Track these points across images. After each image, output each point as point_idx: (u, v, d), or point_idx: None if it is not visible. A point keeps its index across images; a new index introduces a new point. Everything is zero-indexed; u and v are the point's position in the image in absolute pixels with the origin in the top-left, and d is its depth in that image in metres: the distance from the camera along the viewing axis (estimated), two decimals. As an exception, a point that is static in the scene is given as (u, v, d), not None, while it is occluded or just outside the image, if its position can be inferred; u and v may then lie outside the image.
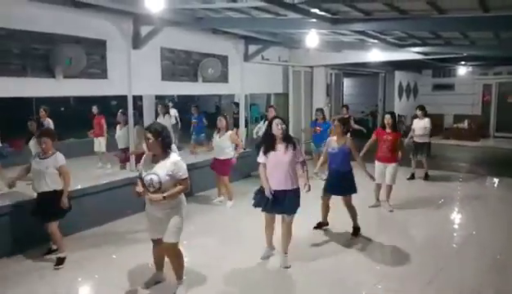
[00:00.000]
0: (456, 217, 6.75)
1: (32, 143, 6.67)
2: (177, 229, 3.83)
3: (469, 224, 6.36)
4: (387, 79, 14.66)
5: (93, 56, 6.11)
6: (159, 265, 4.23)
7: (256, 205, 4.59)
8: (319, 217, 5.77)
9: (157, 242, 4.02)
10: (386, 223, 6.32)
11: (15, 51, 5.23)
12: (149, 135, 3.74)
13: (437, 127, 11.94)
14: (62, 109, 10.66)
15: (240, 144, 7.12)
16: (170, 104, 11.14)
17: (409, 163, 8.72)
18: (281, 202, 4.40)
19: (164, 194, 3.67)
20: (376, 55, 9.50)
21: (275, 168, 4.39)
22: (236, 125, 11.12)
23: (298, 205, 4.48)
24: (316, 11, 5.38)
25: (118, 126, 8.01)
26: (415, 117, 9.01)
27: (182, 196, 3.91)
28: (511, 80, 14.83)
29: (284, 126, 4.42)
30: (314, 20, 5.73)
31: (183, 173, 3.78)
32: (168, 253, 3.98)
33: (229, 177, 7.03)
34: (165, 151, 3.78)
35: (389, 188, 6.70)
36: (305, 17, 5.60)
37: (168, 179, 3.70)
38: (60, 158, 4.70)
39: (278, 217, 4.66)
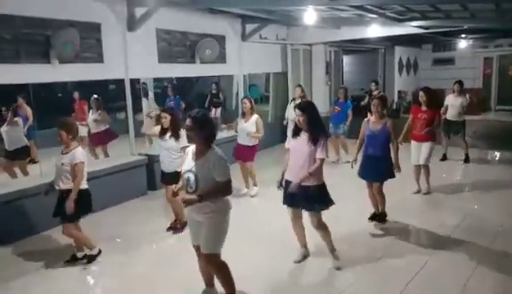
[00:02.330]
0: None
1: (4, 130, 6.70)
2: (216, 239, 3.28)
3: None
4: (386, 55, 14.47)
5: (88, 40, 6.02)
6: (207, 277, 3.59)
7: (283, 202, 4.17)
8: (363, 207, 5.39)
9: (198, 249, 3.46)
10: (430, 208, 5.98)
11: (8, 37, 5.14)
12: (191, 124, 3.18)
13: (438, 102, 11.83)
14: (60, 95, 10.57)
15: (262, 134, 6.42)
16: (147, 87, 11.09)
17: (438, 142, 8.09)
18: (301, 197, 3.92)
19: (199, 195, 3.12)
20: (375, 30, 9.34)
21: (294, 157, 3.98)
22: (216, 104, 11.11)
23: (321, 202, 3.96)
24: (314, -14, 5.27)
25: (90, 112, 8.13)
26: (451, 92, 8.31)
27: (227, 199, 3.33)
28: (512, 52, 14.63)
29: (303, 118, 3.85)
30: (312, -4, 5.62)
31: (224, 174, 3.17)
32: (209, 266, 3.40)
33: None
34: (208, 146, 3.23)
35: (426, 169, 6.26)
36: (302, -7, 5.49)
37: (207, 179, 3.16)
38: (77, 154, 4.22)
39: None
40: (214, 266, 3.36)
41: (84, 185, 4.33)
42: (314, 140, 3.85)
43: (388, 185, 5.16)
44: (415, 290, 3.81)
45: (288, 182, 4.03)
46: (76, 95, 9.51)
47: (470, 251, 4.49)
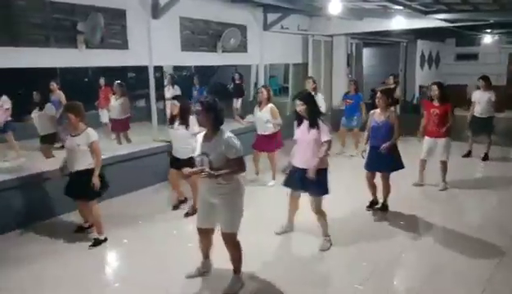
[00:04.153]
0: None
1: (35, 114, 6.81)
2: (236, 218, 3.45)
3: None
4: (408, 49, 14.24)
5: (114, 26, 6.08)
6: (205, 253, 3.86)
7: (284, 183, 4.49)
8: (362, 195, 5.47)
9: (206, 233, 3.65)
10: (438, 204, 5.87)
11: (38, 22, 5.23)
12: (199, 108, 3.35)
13: (460, 98, 11.61)
14: (86, 80, 10.81)
15: (279, 121, 6.32)
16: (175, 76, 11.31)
17: (465, 140, 8.07)
18: (304, 181, 4.19)
19: (216, 173, 3.27)
20: (400, 22, 9.18)
21: (299, 145, 4.28)
22: (239, 94, 11.12)
23: (322, 188, 4.18)
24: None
25: (113, 97, 8.16)
26: (477, 88, 8.07)
27: (240, 179, 3.50)
28: (539, 48, 14.24)
29: (304, 106, 4.13)
30: (338, -15, 5.55)
31: (236, 151, 3.33)
32: (226, 244, 3.54)
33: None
34: (217, 128, 3.40)
35: (443, 165, 6.16)
36: (329, -18, 5.41)
37: (220, 159, 3.32)
38: (91, 133, 4.39)
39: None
40: (232, 245, 3.52)
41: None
42: (315, 125, 4.13)
43: (403, 178, 5.27)
44: (403, 277, 3.93)
45: (294, 168, 4.31)
46: (102, 81, 9.69)
47: (469, 246, 4.47)
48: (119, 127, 8.15)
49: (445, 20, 8.89)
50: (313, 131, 4.14)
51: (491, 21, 9.65)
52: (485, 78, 7.90)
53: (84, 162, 4.37)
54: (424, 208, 5.55)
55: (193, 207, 5.31)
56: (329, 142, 4.16)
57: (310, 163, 4.14)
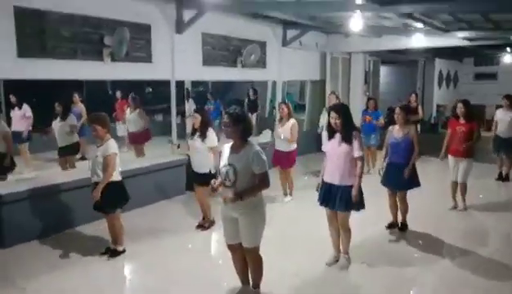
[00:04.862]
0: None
1: (56, 126, 6.84)
2: (258, 232, 3.41)
3: None
4: (426, 67, 14.21)
5: (139, 40, 6.21)
6: (243, 275, 3.67)
7: (318, 198, 4.31)
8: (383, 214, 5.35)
9: (235, 249, 3.54)
10: (463, 226, 5.72)
11: (67, 35, 5.37)
12: (227, 120, 3.33)
13: (478, 119, 11.43)
14: (110, 93, 11.06)
15: (294, 137, 6.28)
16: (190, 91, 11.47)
17: (492, 160, 7.91)
18: (334, 197, 4.08)
19: (240, 193, 3.24)
20: (419, 40, 9.16)
21: (330, 159, 4.14)
22: (253, 109, 11.17)
23: (352, 203, 4.04)
24: (366, -9, 5.24)
25: (128, 110, 8.19)
26: (498, 107, 7.91)
27: (261, 195, 3.44)
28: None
29: (340, 120, 3.98)
30: (362, 2, 5.59)
31: (261, 166, 3.29)
32: (248, 258, 3.52)
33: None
34: (244, 140, 3.37)
35: (462, 187, 5.99)
36: (352, -2, 5.47)
37: (245, 172, 3.29)
38: (110, 146, 4.30)
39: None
40: (255, 259, 3.50)
41: (118, 177, 4.39)
42: (348, 139, 3.99)
43: (423, 199, 5.10)
44: None
45: (326, 184, 4.17)
46: (118, 94, 9.88)
47: (488, 269, 4.31)
48: (136, 140, 8.14)
49: (465, 39, 8.87)
50: (345, 145, 4.01)
51: (512, 40, 9.60)
52: (509, 97, 7.71)
53: (101, 175, 4.30)
54: (442, 228, 5.42)
55: (205, 220, 5.33)
56: (361, 158, 4.05)
57: (341, 178, 4.04)
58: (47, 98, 7.95)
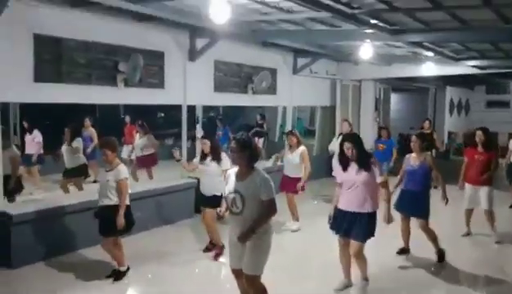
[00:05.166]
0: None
1: (64, 149, 6.98)
2: (260, 260, 3.31)
3: None
4: (437, 95, 14.22)
5: (152, 67, 6.35)
6: None
7: (330, 227, 4.28)
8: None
9: (240, 275, 3.43)
10: (484, 255, 5.63)
11: (82, 61, 5.52)
12: (234, 146, 3.31)
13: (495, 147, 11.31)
14: (123, 116, 11.28)
15: (307, 166, 6.21)
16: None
17: (506, 189, 7.82)
18: (350, 225, 4.04)
19: (252, 228, 3.19)
20: (430, 68, 9.23)
21: (346, 188, 4.10)
22: (260, 136, 11.21)
23: (369, 232, 4.04)
24: (376, 21, 5.31)
25: (137, 135, 8.39)
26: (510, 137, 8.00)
27: (269, 222, 3.39)
28: None
29: (355, 150, 4.00)
30: (372, 31, 5.67)
31: (268, 193, 3.26)
32: (249, 287, 3.39)
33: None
34: (251, 167, 3.34)
35: (489, 214, 5.87)
36: (362, 28, 5.55)
37: (253, 199, 3.24)
38: (122, 170, 4.35)
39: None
40: (256, 288, 3.36)
41: (127, 201, 4.41)
42: (366, 166, 4.00)
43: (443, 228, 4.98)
44: None
45: (341, 212, 4.12)
46: (127, 119, 10.08)
47: None
48: (144, 164, 8.25)
49: (476, 67, 8.89)
50: (364, 173, 3.99)
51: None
52: None
53: (112, 198, 4.32)
54: (467, 258, 5.37)
55: (215, 246, 5.27)
56: (385, 183, 4.11)
57: (359, 206, 4.00)
58: (60, 122, 8.13)
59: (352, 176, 4.03)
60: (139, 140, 8.26)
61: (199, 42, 6.89)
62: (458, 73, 9.56)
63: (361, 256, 4.16)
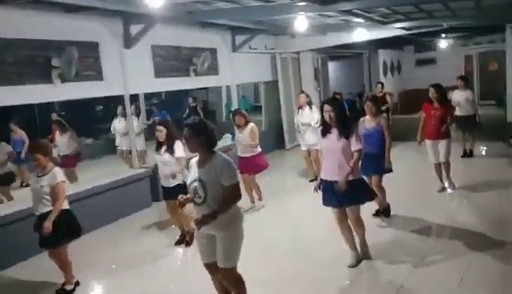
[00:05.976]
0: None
1: None
2: (233, 251, 3.10)
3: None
4: (371, 59, 14.88)
5: (88, 59, 6.12)
6: None
7: (323, 203, 4.15)
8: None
9: (214, 269, 3.20)
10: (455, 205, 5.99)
11: (11, 60, 5.21)
12: (187, 133, 3.06)
13: (422, 101, 12.12)
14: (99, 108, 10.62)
15: (256, 143, 6.03)
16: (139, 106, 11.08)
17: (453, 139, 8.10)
18: (345, 193, 3.90)
19: (212, 213, 2.94)
20: (361, 34, 9.67)
21: (327, 155, 4.03)
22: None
23: (358, 196, 3.99)
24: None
25: (57, 133, 7.62)
26: (454, 88, 8.25)
27: (238, 207, 3.19)
28: (491, 49, 15.19)
29: (333, 113, 3.88)
30: (304, 4, 5.85)
31: (230, 178, 3.02)
32: (225, 281, 3.19)
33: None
34: (210, 151, 3.10)
35: (447, 165, 6.23)
36: (295, 1, 5.70)
37: (215, 185, 3.01)
38: (57, 173, 4.03)
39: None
40: (232, 280, 3.17)
41: (67, 205, 4.12)
42: (346, 134, 3.91)
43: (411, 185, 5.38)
44: (414, 283, 3.84)
45: (326, 182, 4.05)
46: (53, 116, 9.38)
47: (471, 245, 4.49)
48: (67, 164, 7.27)
49: (403, 28, 9.44)
50: (343, 140, 3.90)
51: (445, 26, 10.31)
52: (463, 78, 8.15)
53: (49, 205, 3.98)
54: (427, 210, 5.62)
55: (183, 235, 5.13)
56: (359, 151, 3.96)
57: (341, 174, 3.90)
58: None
59: (333, 143, 3.95)
60: (60, 137, 7.45)
61: (134, 29, 6.71)
62: (387, 36, 10.08)
63: (360, 222, 4.15)
